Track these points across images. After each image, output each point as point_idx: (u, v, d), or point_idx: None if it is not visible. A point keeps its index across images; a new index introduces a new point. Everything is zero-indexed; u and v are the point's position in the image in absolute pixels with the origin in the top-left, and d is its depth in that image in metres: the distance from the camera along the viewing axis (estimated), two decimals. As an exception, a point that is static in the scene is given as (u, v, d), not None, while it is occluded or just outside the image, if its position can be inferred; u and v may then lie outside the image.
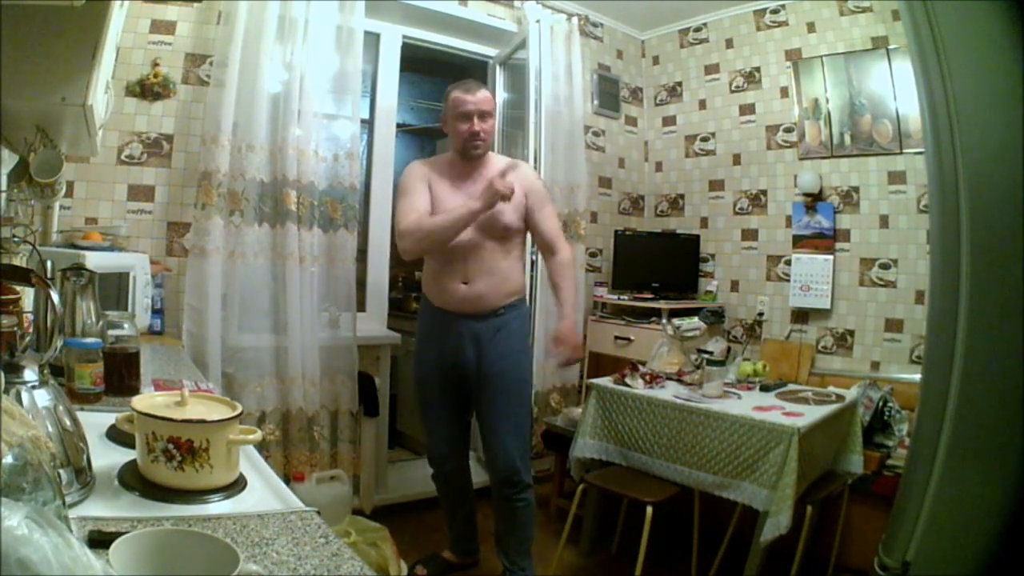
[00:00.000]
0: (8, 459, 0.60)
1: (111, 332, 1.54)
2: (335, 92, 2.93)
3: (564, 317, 2.35)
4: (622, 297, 3.73)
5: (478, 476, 2.75)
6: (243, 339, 2.75)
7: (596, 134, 3.96)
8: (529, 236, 2.48)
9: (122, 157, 2.62)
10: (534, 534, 2.48)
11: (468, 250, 2.28)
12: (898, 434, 2.73)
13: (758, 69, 3.71)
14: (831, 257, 3.37)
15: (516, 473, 2.34)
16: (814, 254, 3.42)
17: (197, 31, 2.72)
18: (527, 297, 2.51)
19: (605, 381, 2.65)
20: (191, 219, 2.67)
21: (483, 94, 2.32)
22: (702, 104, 4.00)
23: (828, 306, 3.37)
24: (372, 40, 3.25)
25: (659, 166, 4.24)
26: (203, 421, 0.96)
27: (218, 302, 2.66)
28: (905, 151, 3.12)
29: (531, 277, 3.03)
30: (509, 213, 2.31)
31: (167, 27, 2.66)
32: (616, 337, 3.59)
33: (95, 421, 1.17)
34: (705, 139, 3.98)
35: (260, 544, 0.83)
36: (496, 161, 2.44)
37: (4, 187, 1.77)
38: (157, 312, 2.53)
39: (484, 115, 2.30)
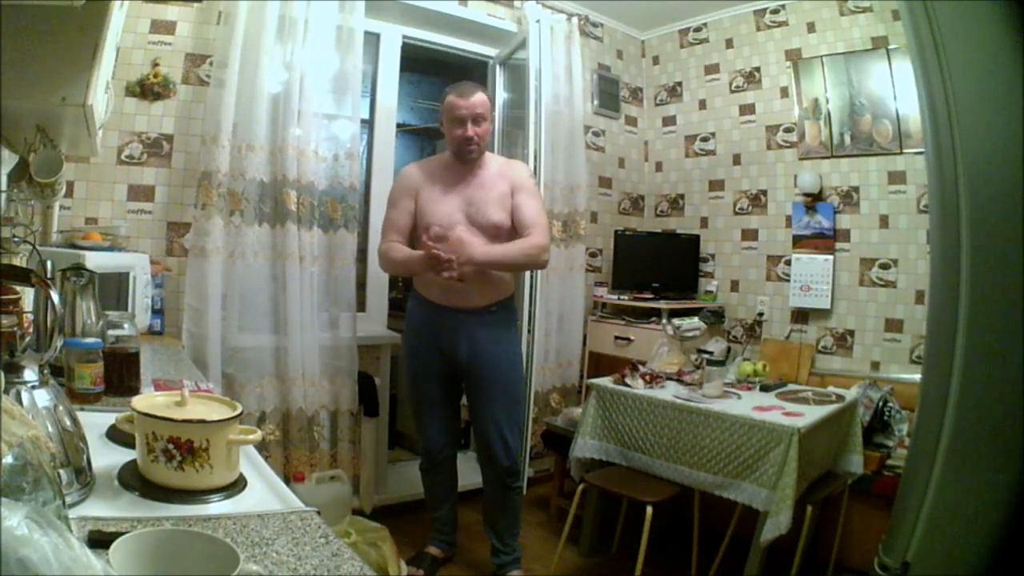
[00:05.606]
0: (8, 459, 0.60)
1: (111, 332, 1.54)
2: (335, 92, 2.93)
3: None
4: (622, 297, 3.73)
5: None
6: (243, 339, 2.75)
7: (596, 134, 3.96)
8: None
9: (122, 157, 2.62)
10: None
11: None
12: (898, 434, 2.73)
13: (758, 69, 3.71)
14: (831, 257, 3.37)
15: (516, 464, 2.41)
16: (814, 254, 3.42)
17: (197, 31, 2.72)
18: (514, 298, 2.51)
19: (605, 381, 2.65)
20: (191, 219, 2.67)
21: (478, 98, 2.32)
22: (702, 104, 3.99)
23: (828, 306, 3.36)
24: (372, 40, 3.25)
25: (659, 166, 4.24)
26: (203, 421, 0.96)
27: (218, 302, 2.66)
28: (905, 151, 3.12)
29: (531, 278, 3.03)
30: (497, 211, 2.33)
31: (167, 27, 2.66)
32: (616, 337, 3.59)
33: (95, 421, 1.17)
34: (705, 139, 3.97)
35: (260, 544, 0.83)
36: (492, 162, 2.45)
37: (4, 187, 1.77)
38: (157, 312, 2.53)
39: (478, 119, 2.30)
